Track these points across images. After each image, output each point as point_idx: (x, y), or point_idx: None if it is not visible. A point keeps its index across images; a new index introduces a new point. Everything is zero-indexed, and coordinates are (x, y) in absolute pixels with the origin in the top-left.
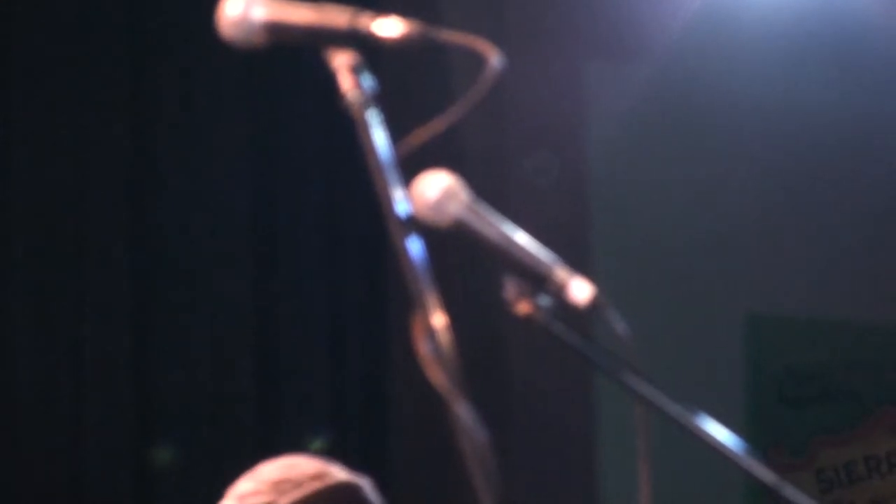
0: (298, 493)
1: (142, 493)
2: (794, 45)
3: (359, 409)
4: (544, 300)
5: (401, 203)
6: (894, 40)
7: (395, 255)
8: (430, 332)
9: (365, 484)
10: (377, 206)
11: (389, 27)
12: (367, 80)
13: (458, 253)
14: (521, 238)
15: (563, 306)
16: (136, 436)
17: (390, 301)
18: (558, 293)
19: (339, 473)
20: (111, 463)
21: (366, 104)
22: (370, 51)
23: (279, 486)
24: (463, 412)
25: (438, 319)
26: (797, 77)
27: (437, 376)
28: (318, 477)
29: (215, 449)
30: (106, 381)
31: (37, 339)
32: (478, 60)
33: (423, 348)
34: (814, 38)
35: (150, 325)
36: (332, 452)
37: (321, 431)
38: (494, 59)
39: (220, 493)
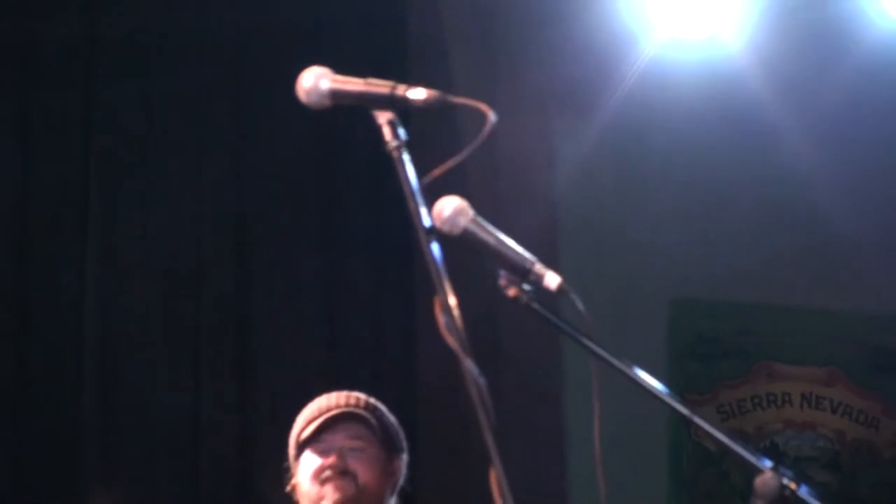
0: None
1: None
2: (703, 106)
3: (395, 363)
4: (527, 287)
5: (425, 218)
6: (767, 104)
7: (422, 255)
8: (446, 309)
9: None
10: (410, 221)
11: (417, 94)
12: (402, 132)
13: (466, 253)
14: (511, 243)
15: (540, 291)
16: (239, 388)
17: (418, 286)
18: (537, 282)
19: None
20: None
21: (401, 149)
22: (403, 110)
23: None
24: (469, 365)
25: (452, 300)
26: (706, 128)
27: (451, 340)
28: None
29: (296, 392)
30: (216, 350)
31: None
32: (479, 116)
33: (441, 320)
34: (715, 102)
35: (250, 306)
36: (376, 393)
37: (368, 381)
38: (491, 115)
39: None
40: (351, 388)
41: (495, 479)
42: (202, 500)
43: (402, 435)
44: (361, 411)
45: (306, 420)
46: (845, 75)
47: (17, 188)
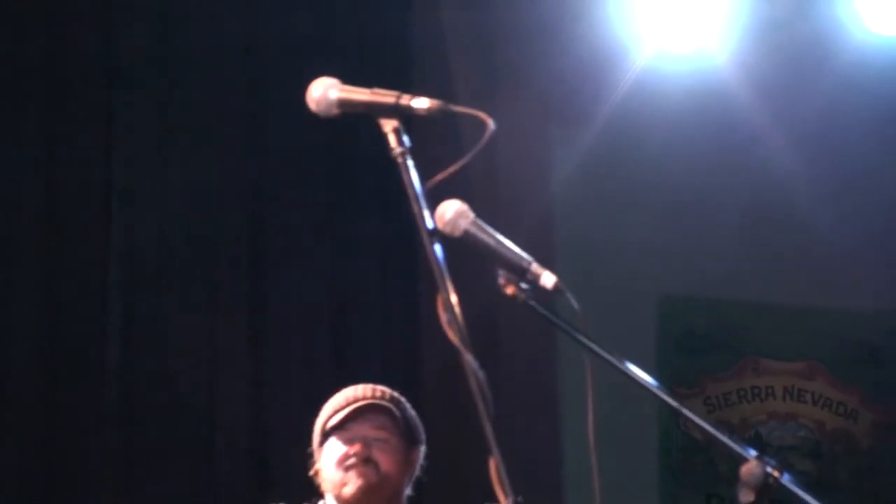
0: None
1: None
2: (691, 114)
3: (399, 357)
4: (524, 285)
5: (429, 220)
6: (752, 112)
7: (426, 256)
8: (448, 306)
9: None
10: (414, 223)
11: (420, 103)
12: (406, 139)
13: (467, 253)
14: (509, 244)
15: (537, 289)
16: (255, 382)
17: (422, 285)
18: (534, 281)
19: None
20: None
21: (405, 155)
22: (407, 118)
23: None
24: (469, 359)
25: (453, 298)
26: (693, 135)
27: (453, 335)
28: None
29: (308, 385)
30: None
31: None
32: (479, 124)
33: (443, 317)
34: (702, 110)
35: (263, 307)
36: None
37: (377, 373)
38: (491, 123)
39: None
40: (357, 381)
41: (494, 467)
42: (218, 480)
43: (421, 427)
44: (386, 403)
45: (333, 409)
46: (825, 85)
47: (41, 191)
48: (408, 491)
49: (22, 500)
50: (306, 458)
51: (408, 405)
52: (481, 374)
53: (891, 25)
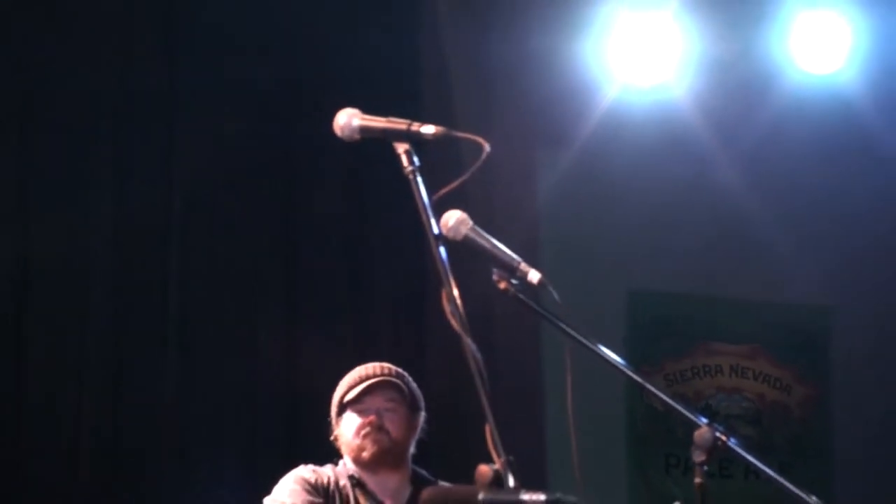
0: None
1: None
2: (653, 138)
3: (411, 343)
4: (514, 281)
5: (435, 227)
6: (705, 136)
7: (432, 256)
8: (451, 299)
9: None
10: (422, 229)
11: (428, 129)
12: (416, 159)
13: (466, 255)
14: (502, 247)
15: (525, 284)
16: (289, 360)
17: (429, 282)
18: (522, 277)
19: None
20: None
21: (415, 173)
22: (416, 142)
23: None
24: (468, 342)
25: (455, 292)
26: (656, 156)
27: (454, 323)
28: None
29: (333, 366)
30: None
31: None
32: (477, 147)
33: (447, 308)
34: (663, 135)
35: (295, 311)
36: (399, 363)
37: (390, 357)
38: (486, 146)
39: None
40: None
41: (489, 432)
42: (258, 444)
43: (421, 396)
44: (394, 379)
45: (349, 385)
46: (766, 115)
47: (111, 211)
48: (412, 450)
49: (96, 468)
50: (326, 427)
51: (410, 379)
52: (479, 356)
53: (819, 66)
